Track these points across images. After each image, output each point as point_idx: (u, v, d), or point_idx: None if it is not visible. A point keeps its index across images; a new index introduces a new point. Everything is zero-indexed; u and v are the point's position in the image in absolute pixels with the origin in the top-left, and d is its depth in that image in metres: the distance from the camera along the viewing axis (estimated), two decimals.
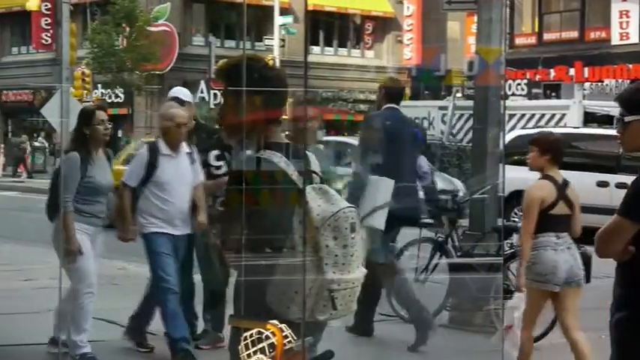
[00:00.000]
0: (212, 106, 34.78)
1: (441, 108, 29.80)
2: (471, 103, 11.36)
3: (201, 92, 38.20)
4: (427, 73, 42.57)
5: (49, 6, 41.36)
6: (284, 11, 38.61)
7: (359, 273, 3.90)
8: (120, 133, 41.86)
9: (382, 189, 8.21)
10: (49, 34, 42.02)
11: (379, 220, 8.15)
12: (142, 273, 11.83)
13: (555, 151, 7.07)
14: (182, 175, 7.77)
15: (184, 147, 7.88)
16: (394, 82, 9.64)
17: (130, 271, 12.09)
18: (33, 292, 10.32)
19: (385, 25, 45.84)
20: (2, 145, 40.84)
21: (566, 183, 7.04)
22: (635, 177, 3.97)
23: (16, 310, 9.45)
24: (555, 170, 7.05)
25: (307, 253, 3.69)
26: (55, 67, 36.97)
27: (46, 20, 42.05)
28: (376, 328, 8.90)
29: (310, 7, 39.15)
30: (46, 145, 40.76)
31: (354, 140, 17.90)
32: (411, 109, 31.42)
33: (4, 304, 9.66)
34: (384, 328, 9.06)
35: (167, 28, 38.70)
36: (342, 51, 45.30)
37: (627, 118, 4.05)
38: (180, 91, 8.90)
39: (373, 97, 42.83)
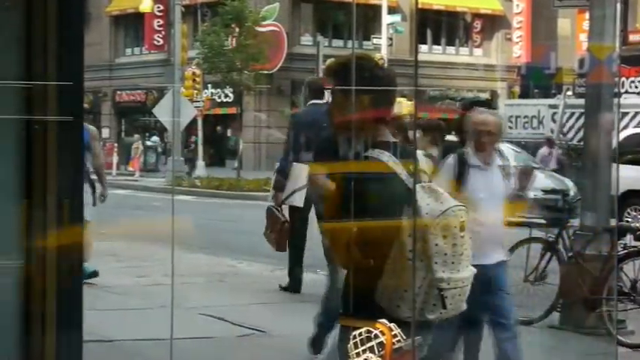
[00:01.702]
0: None
1: (551, 106, 29.40)
2: (581, 101, 11.19)
3: None
4: (537, 71, 42.03)
5: (162, 8, 42.14)
6: (392, 10, 38.55)
7: (469, 272, 3.88)
8: (229, 133, 42.41)
9: (300, 174, 9.05)
10: (161, 36, 42.83)
11: (299, 200, 9.49)
12: (250, 271, 11.99)
13: None
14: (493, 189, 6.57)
15: (496, 158, 6.73)
16: (316, 80, 10.75)
17: (239, 269, 12.24)
18: (145, 289, 10.52)
19: (494, 23, 45.39)
20: (116, 145, 41.77)
21: None
22: None
23: (129, 306, 9.65)
24: None
25: (416, 252, 3.68)
26: (167, 67, 37.66)
27: (159, 22, 42.87)
28: None
29: (419, 6, 39.00)
30: (159, 144, 41.51)
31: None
32: (520, 107, 31.14)
33: (118, 301, 9.87)
34: None
35: (276, 28, 39.04)
36: (450, 49, 45.02)
37: None
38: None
39: (482, 95, 42.52)
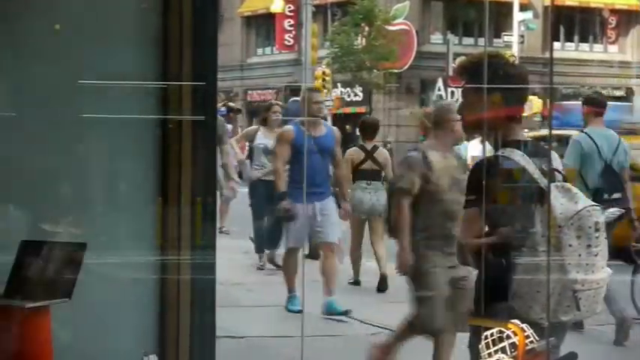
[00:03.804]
0: None
1: None
2: None
3: (439, 90, 38.23)
4: None
5: (293, 8, 42.53)
6: (523, 7, 38.01)
7: (604, 273, 3.80)
8: (357, 131, 42.50)
9: None
10: (291, 36, 43.22)
11: None
12: (374, 269, 11.99)
13: None
14: None
15: None
16: (294, 80, 11.15)
17: (367, 268, 12.23)
18: (278, 286, 10.63)
19: (630, 19, 44.26)
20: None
21: None
22: None
23: (259, 303, 9.76)
24: None
25: (550, 253, 3.63)
26: (297, 67, 37.98)
27: (289, 22, 43.27)
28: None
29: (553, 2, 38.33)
30: None
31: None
32: None
33: (248, 297, 9.99)
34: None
35: (405, 27, 38.93)
36: (584, 46, 44.12)
37: None
38: None
39: (616, 92, 41.55)
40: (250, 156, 11.78)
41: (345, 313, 8.87)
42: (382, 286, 10.73)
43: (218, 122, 10.00)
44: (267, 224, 11.51)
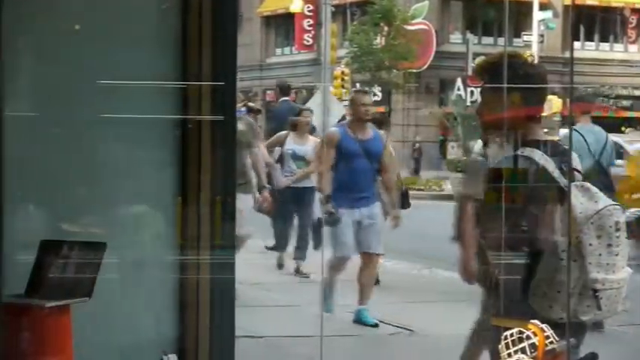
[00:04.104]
0: (468, 104, 34.66)
1: None
2: None
3: (458, 90, 38.16)
4: None
5: (312, 8, 42.55)
6: (543, 6, 37.88)
7: (624, 273, 3.79)
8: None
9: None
10: (310, 35, 43.25)
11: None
12: (398, 270, 11.98)
13: None
14: None
15: None
16: (282, 80, 12.42)
17: (387, 268, 12.22)
18: (297, 286, 10.64)
19: None
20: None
21: None
22: None
23: (278, 303, 9.77)
24: None
25: (570, 252, 3.62)
26: (316, 66, 38.00)
27: (309, 22, 43.30)
28: None
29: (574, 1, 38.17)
30: None
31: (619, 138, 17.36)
32: None
33: (267, 297, 10.00)
34: None
35: (425, 27, 38.87)
36: (604, 45, 43.93)
37: None
38: None
39: (637, 92, 41.36)
40: (280, 161, 11.65)
41: (376, 325, 8.66)
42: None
43: (249, 124, 9.89)
44: (283, 226, 11.55)
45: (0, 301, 3.21)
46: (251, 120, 10.29)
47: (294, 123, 11.77)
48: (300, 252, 11.54)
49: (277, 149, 11.64)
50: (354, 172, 8.71)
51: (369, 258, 8.87)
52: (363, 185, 8.77)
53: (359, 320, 8.71)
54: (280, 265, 11.76)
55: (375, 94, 40.62)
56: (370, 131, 8.96)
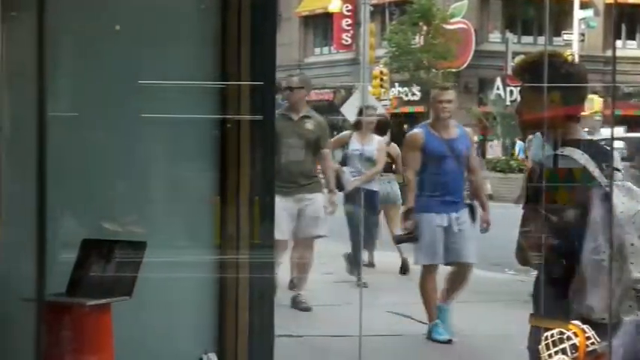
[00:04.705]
0: (507, 103, 34.49)
1: None
2: None
3: (497, 89, 37.97)
4: None
5: (350, 7, 42.57)
6: (584, 4, 37.61)
7: None
8: None
9: None
10: (349, 35, 43.25)
11: None
12: (439, 269, 11.94)
13: None
14: None
15: None
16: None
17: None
18: (333, 286, 10.65)
19: None
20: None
21: None
22: None
23: (316, 302, 9.78)
24: None
25: (611, 252, 3.59)
26: (354, 66, 38.00)
27: (347, 21, 43.31)
28: None
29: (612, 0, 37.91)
30: None
31: None
32: None
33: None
34: None
35: (464, 26, 38.75)
36: None
37: None
38: None
39: None
40: (343, 163, 11.27)
41: (449, 341, 8.13)
42: (404, 270, 11.48)
43: (318, 123, 9.45)
44: (356, 230, 11.19)
45: (42, 300, 3.24)
46: (321, 118, 9.79)
47: (357, 122, 11.52)
48: (368, 255, 11.50)
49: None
50: (442, 175, 8.09)
51: (459, 268, 8.28)
52: (451, 188, 8.12)
53: (434, 331, 8.21)
54: (362, 284, 10.89)
55: (413, 94, 40.59)
56: (455, 129, 8.35)
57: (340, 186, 10.60)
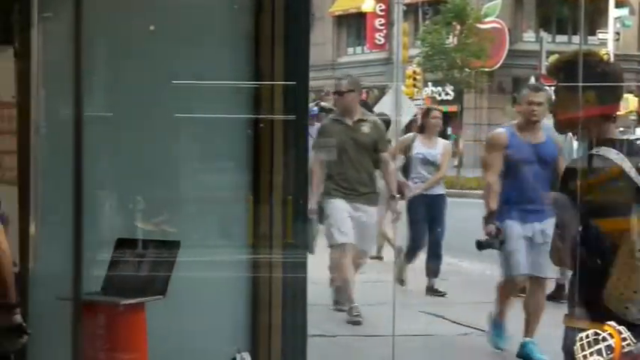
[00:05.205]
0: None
1: None
2: None
3: None
4: None
5: (384, 7, 42.53)
6: (619, 3, 37.33)
7: None
8: (449, 131, 42.31)
9: None
10: (382, 34, 43.21)
11: None
12: (471, 270, 11.91)
13: None
14: None
15: None
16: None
17: (460, 268, 12.17)
18: (366, 286, 10.62)
19: None
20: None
21: None
22: None
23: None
24: None
25: None
26: (388, 66, 37.92)
27: (380, 21, 43.28)
28: None
29: None
30: None
31: None
32: None
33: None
34: None
35: (497, 25, 38.57)
36: None
37: None
38: None
39: None
40: (406, 168, 10.71)
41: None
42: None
43: (376, 126, 9.05)
44: (416, 236, 10.63)
45: (79, 299, 3.26)
46: (379, 121, 9.33)
47: (422, 124, 10.99)
48: (434, 267, 10.59)
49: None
50: (526, 181, 7.56)
51: (538, 282, 7.71)
52: (536, 196, 7.48)
53: (525, 356, 7.59)
54: (401, 282, 10.76)
55: (447, 94, 40.48)
56: (542, 134, 7.68)
57: (402, 192, 10.18)
